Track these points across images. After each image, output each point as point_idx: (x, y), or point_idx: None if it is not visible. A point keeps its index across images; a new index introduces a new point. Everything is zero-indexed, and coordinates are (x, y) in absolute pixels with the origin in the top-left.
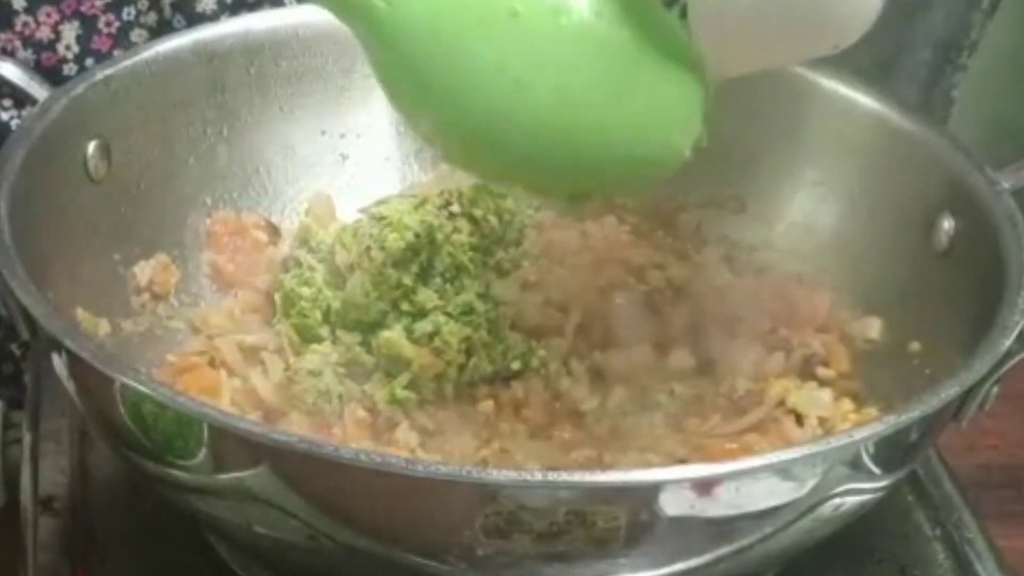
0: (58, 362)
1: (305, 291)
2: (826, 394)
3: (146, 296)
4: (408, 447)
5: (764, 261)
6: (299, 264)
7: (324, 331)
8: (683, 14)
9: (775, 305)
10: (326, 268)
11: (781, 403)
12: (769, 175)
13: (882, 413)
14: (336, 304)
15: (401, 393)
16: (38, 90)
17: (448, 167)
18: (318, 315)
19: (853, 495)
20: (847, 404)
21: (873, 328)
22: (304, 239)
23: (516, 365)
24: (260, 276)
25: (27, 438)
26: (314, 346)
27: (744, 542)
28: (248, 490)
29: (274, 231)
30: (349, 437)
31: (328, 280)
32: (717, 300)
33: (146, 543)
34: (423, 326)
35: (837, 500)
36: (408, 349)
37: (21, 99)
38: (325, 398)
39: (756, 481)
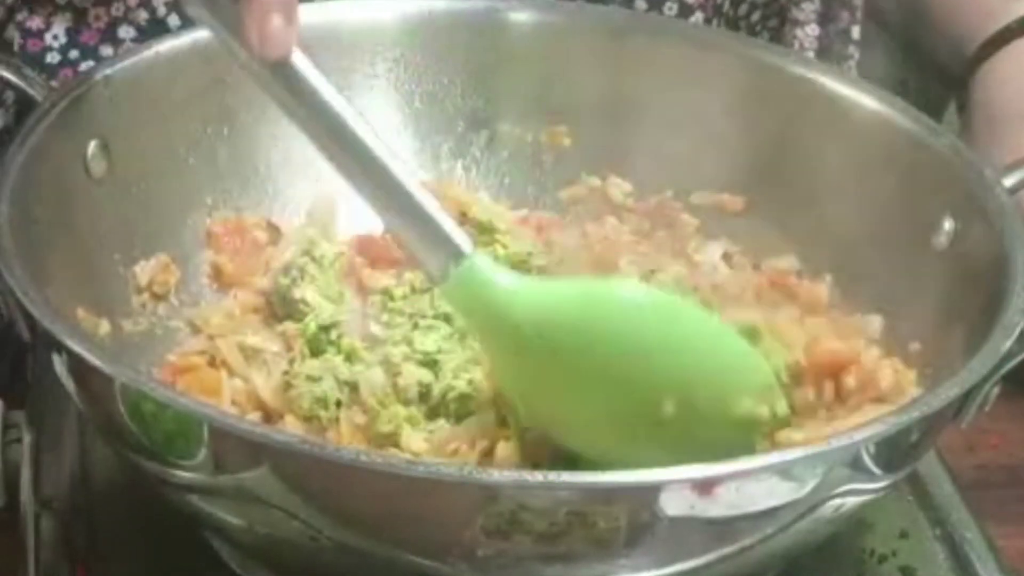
0: (58, 362)
1: (305, 307)
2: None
3: (146, 296)
4: (410, 450)
5: (762, 257)
6: (302, 272)
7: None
8: None
9: (774, 296)
10: (324, 280)
11: None
12: (770, 176)
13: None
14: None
15: (404, 411)
16: (38, 90)
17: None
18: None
19: (853, 495)
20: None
21: (873, 327)
22: (307, 249)
23: None
24: (260, 276)
25: (27, 438)
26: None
27: (745, 542)
28: (249, 490)
29: (275, 231)
30: (344, 442)
31: (328, 295)
32: (717, 294)
33: (146, 543)
34: (424, 342)
35: (837, 500)
36: (410, 372)
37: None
38: (322, 404)
39: (756, 482)
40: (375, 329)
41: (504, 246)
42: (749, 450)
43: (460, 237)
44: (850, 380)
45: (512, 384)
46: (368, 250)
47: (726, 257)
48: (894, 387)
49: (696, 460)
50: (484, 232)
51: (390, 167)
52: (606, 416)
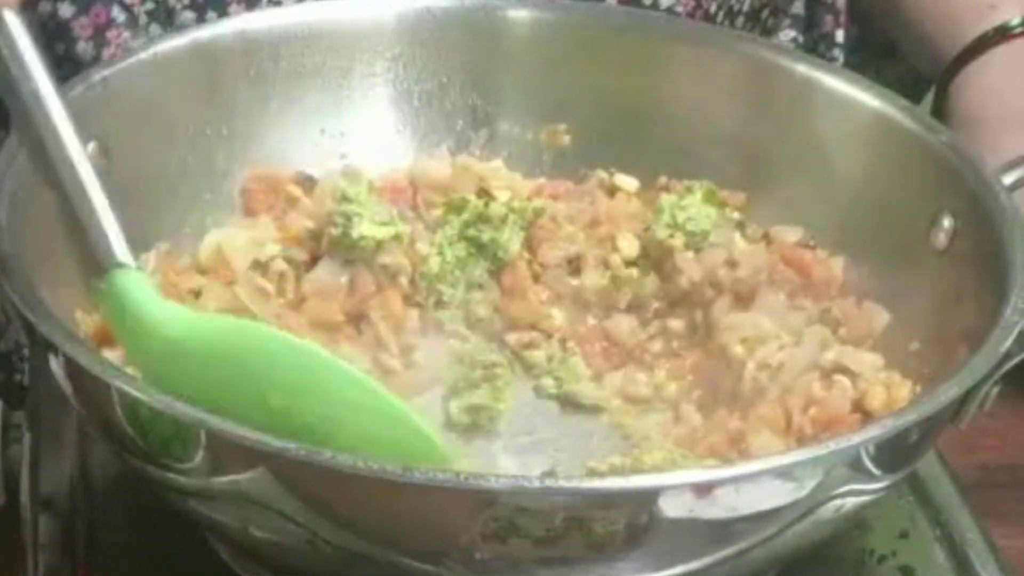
0: (55, 365)
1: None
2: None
3: None
4: None
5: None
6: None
7: None
8: None
9: (788, 273)
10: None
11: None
12: (769, 175)
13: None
14: None
15: None
16: None
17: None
18: None
19: (853, 496)
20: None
21: (881, 319)
22: (342, 194)
23: None
24: None
25: (27, 438)
26: None
27: (744, 544)
28: (245, 494)
29: (309, 182)
30: None
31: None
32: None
33: (146, 543)
34: None
35: (838, 502)
36: None
37: None
38: None
39: (756, 484)
40: None
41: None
42: None
43: (118, 247)
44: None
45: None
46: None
47: (739, 227)
48: (885, 405)
49: None
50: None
51: (73, 160)
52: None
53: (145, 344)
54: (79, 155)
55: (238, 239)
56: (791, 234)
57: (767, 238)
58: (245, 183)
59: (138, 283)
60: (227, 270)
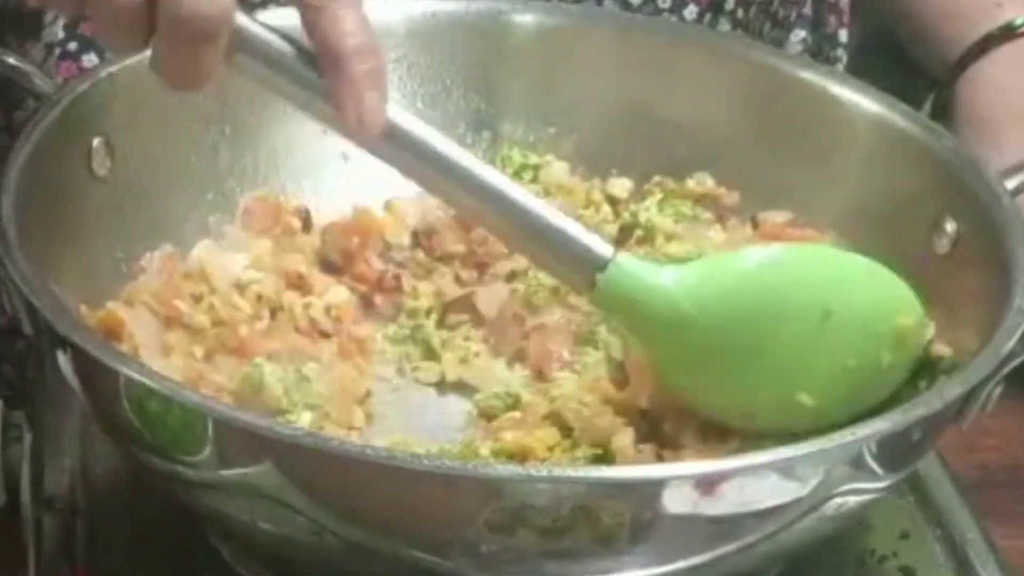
0: (63, 359)
1: None
2: None
3: None
4: None
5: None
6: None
7: None
8: None
9: None
10: None
11: None
12: (770, 177)
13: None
14: None
15: None
16: (43, 86)
17: None
18: None
19: (855, 494)
20: None
21: None
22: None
23: None
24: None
25: (27, 438)
26: None
27: (747, 540)
28: (253, 485)
29: (308, 219)
30: None
31: None
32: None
33: (147, 543)
34: None
35: (839, 499)
36: None
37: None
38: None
39: (760, 479)
40: None
41: None
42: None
43: (597, 243)
44: None
45: (669, 368)
46: None
47: (720, 220)
48: None
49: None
50: None
51: (509, 192)
52: (765, 376)
53: (664, 323)
54: (516, 189)
55: (222, 259)
56: (779, 216)
57: (754, 222)
58: (247, 202)
59: (635, 267)
60: (208, 285)
